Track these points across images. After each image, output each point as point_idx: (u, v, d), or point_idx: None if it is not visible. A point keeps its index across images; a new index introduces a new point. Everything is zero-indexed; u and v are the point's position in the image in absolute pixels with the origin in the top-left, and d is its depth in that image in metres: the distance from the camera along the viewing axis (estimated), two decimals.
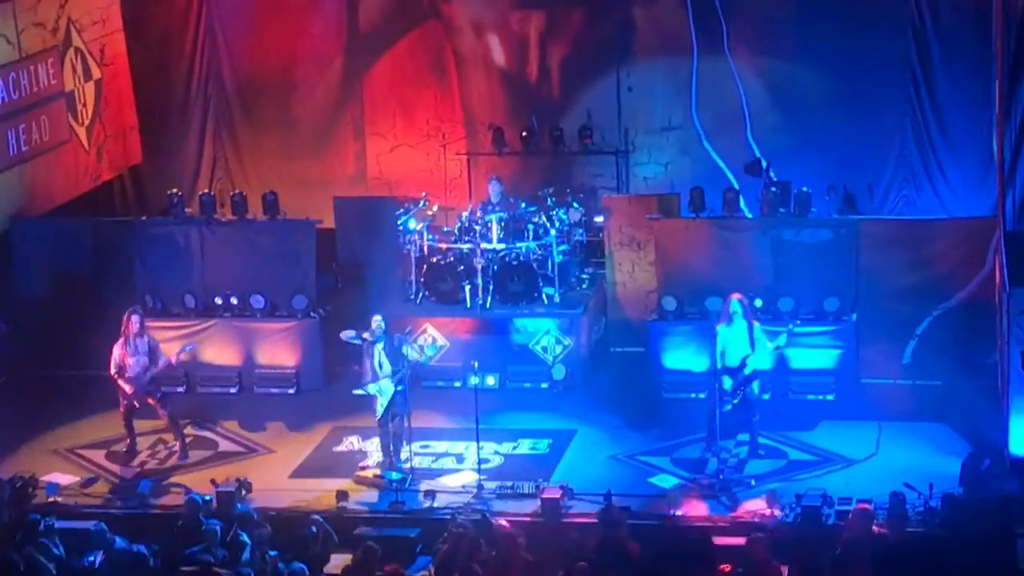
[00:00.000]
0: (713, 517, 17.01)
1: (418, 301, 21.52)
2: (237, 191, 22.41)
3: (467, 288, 21.22)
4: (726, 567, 14.78)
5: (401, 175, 24.27)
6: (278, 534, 16.41)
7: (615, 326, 21.85)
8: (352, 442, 19.46)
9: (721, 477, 17.84)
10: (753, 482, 17.78)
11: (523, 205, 21.74)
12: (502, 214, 21.40)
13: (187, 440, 19.44)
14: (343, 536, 16.53)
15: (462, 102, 24.28)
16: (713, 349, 18.37)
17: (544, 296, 21.22)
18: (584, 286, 21.92)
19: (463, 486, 18.09)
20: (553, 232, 21.33)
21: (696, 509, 17.23)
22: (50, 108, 22.55)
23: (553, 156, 23.60)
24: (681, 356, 20.27)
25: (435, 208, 22.36)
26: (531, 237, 21.34)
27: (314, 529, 16.27)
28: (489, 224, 21.28)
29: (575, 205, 22.15)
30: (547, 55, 23.94)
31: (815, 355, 19.76)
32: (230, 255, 21.59)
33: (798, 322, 19.20)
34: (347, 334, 18.68)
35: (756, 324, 18.43)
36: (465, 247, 21.37)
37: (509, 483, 17.91)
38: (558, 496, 17.18)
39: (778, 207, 20.61)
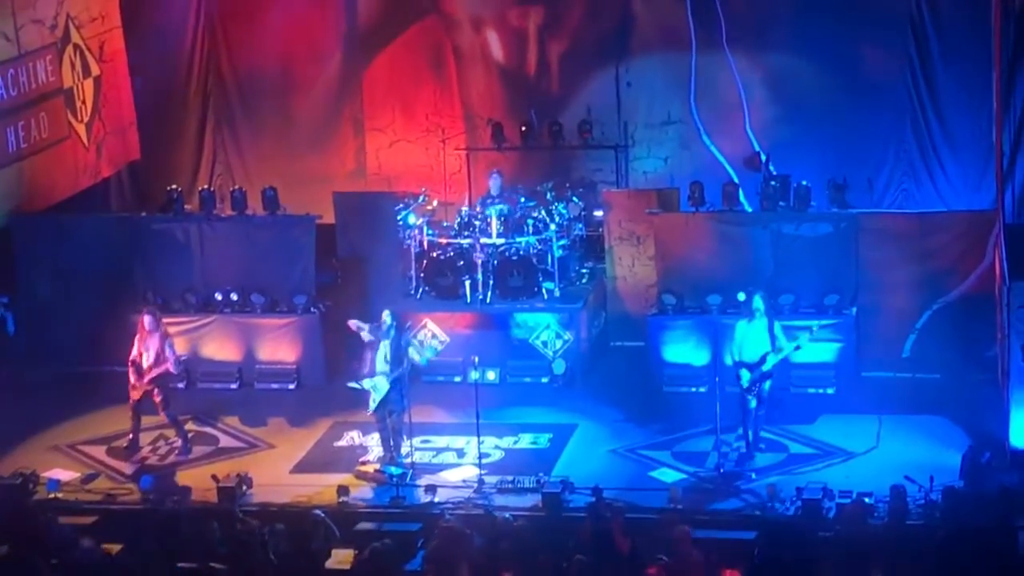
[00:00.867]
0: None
1: (418, 296, 21.52)
2: (237, 187, 22.41)
3: (467, 283, 21.23)
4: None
5: (401, 170, 24.27)
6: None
7: (615, 320, 21.87)
8: (353, 437, 19.46)
9: (721, 471, 17.86)
10: (754, 476, 17.80)
11: (522, 200, 21.75)
12: (502, 206, 21.40)
13: (188, 436, 19.45)
14: (344, 531, 16.52)
15: (461, 97, 24.28)
16: (717, 342, 18.34)
17: (544, 291, 21.21)
18: (584, 281, 21.92)
19: (464, 481, 18.08)
20: (553, 227, 21.33)
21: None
22: (49, 105, 22.52)
23: (552, 151, 23.59)
24: (681, 350, 20.29)
25: (435, 203, 22.37)
26: (531, 232, 21.33)
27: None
28: (488, 219, 21.29)
29: (575, 200, 22.15)
30: (546, 50, 23.94)
31: (815, 349, 19.73)
32: (230, 251, 21.61)
33: (820, 324, 19.19)
34: (355, 323, 18.66)
35: (776, 323, 18.38)
36: (465, 242, 21.37)
37: (510, 478, 17.90)
38: (559, 491, 17.19)
39: (778, 201, 20.63)
